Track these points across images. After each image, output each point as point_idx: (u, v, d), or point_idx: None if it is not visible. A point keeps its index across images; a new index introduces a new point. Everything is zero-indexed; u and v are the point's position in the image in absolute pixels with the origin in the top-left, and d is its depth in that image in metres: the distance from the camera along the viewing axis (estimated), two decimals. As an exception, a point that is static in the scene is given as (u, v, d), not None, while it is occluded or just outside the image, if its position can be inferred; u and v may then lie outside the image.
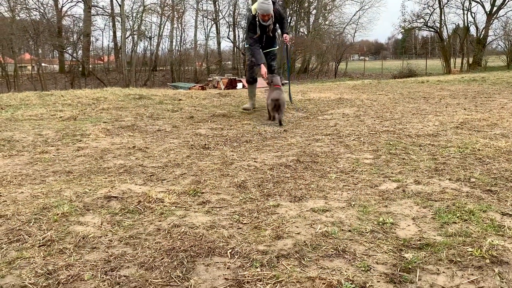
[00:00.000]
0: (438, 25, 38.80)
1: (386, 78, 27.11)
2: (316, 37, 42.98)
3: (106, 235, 2.07)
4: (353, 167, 3.26)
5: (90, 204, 2.47)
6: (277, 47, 6.46)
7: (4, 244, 1.99)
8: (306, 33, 46.18)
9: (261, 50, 6.18)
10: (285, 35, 6.28)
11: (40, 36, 37.28)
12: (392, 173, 3.08)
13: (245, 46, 6.51)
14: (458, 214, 2.25)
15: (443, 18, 38.30)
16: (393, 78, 23.23)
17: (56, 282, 1.64)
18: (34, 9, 38.17)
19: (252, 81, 6.63)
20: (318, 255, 1.84)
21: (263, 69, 6.02)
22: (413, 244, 1.93)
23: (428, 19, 39.10)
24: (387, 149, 3.81)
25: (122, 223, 2.22)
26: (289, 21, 45.33)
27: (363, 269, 1.72)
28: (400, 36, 59.35)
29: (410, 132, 4.52)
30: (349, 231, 2.09)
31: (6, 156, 3.75)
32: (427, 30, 42.46)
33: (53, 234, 2.07)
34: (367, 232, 2.07)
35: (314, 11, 46.80)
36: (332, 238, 2.01)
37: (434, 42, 47.29)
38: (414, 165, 3.26)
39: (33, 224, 2.21)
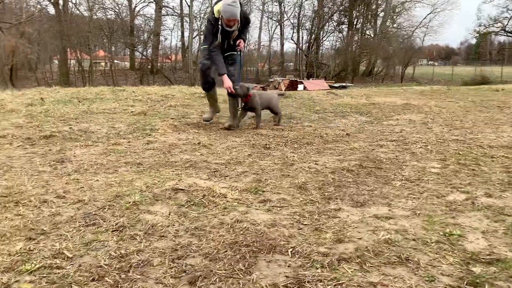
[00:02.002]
0: (517, 30, 36.21)
1: (456, 84, 25.76)
2: (383, 40, 41.81)
3: (173, 225, 2.18)
4: (419, 175, 3.16)
5: (159, 195, 2.61)
6: (238, 52, 5.45)
7: (82, 226, 2.16)
8: (372, 35, 45.08)
9: (222, 57, 5.20)
10: (240, 40, 5.27)
11: (114, 34, 39.49)
12: (460, 184, 2.95)
13: (202, 47, 5.56)
14: (533, 232, 2.12)
15: (523, 22, 35.70)
16: (464, 85, 22.06)
17: (128, 265, 1.75)
18: (110, 9, 40.54)
19: (208, 87, 5.50)
20: (380, 261, 1.82)
21: (226, 82, 5.04)
22: (482, 258, 1.85)
23: (507, 24, 36.66)
24: (456, 159, 3.65)
25: (188, 214, 2.33)
26: (355, 23, 44.54)
27: (427, 279, 1.68)
28: (474, 41, 56.18)
29: (481, 143, 4.29)
30: (413, 240, 2.04)
31: (83, 146, 4.03)
32: (504, 35, 39.80)
33: (125, 220, 2.21)
34: (432, 243, 2.01)
35: (382, 13, 45.55)
36: (395, 245, 1.97)
37: (512, 47, 44.21)
38: (485, 177, 3.10)
39: (107, 210, 2.37)
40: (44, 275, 1.67)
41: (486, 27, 38.87)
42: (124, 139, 4.35)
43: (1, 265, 1.73)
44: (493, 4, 72.54)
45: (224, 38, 5.13)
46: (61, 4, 36.71)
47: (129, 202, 2.46)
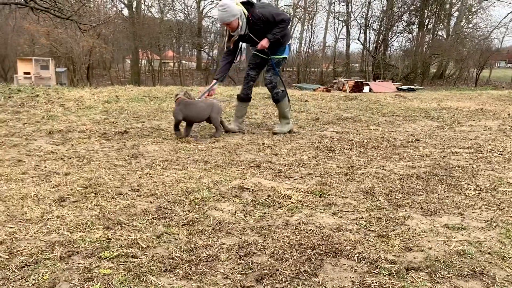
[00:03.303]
0: None
1: (538, 89, 23.86)
2: (457, 41, 39.71)
3: (239, 223, 2.23)
4: (495, 185, 2.98)
5: (225, 192, 2.68)
6: (282, 56, 4.94)
7: (155, 219, 2.27)
8: (445, 36, 42.98)
9: (228, 65, 4.90)
10: (264, 40, 4.72)
11: (182, 35, 40.93)
12: (543, 197, 2.75)
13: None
14: None
15: None
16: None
17: (198, 259, 1.83)
18: (180, 11, 42.12)
19: (243, 98, 5.08)
20: (451, 273, 1.75)
21: (213, 86, 4.81)
22: None
23: None
24: (538, 169, 3.39)
25: (253, 213, 2.37)
26: (426, 23, 42.63)
27: (504, 296, 1.59)
28: (560, 42, 51.55)
29: None
30: (488, 253, 1.93)
31: (154, 142, 4.23)
32: None
33: (194, 215, 2.30)
34: (509, 257, 1.89)
35: (456, 13, 43.26)
36: (468, 258, 1.88)
37: None
38: None
39: (177, 204, 2.48)
40: (121, 263, 1.79)
41: None
42: (192, 137, 4.51)
43: (84, 251, 1.88)
44: None
45: (247, 42, 4.89)
46: (135, 6, 38.73)
47: (198, 198, 2.56)
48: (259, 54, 4.98)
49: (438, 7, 42.42)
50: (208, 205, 2.48)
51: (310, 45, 45.42)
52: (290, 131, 4.97)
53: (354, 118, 6.12)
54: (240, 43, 4.93)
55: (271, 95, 5.10)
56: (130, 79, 34.55)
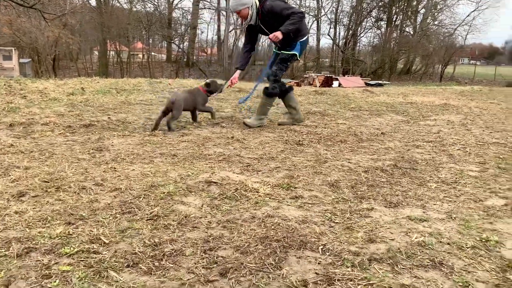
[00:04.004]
0: None
1: (499, 85, 24.81)
2: (423, 38, 40.70)
3: (206, 217, 2.22)
4: (456, 178, 3.08)
5: (192, 186, 2.66)
6: (292, 52, 4.91)
7: (118, 214, 2.23)
8: (411, 33, 43.95)
9: (247, 53, 5.06)
10: (278, 31, 4.64)
11: (152, 27, 40.15)
12: (500, 189, 2.85)
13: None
14: None
15: None
16: (507, 86, 21.26)
17: (162, 254, 1.80)
18: (149, 2, 41.23)
19: (281, 94, 5.18)
20: (412, 264, 1.79)
21: (235, 75, 5.04)
22: (521, 267, 1.79)
23: (557, 22, 34.81)
24: (496, 162, 3.52)
25: (220, 207, 2.36)
26: (394, 19, 43.41)
27: (461, 284, 1.64)
28: (520, 40, 53.69)
29: (524, 147, 4.12)
30: (448, 244, 1.99)
31: (120, 135, 4.14)
32: (553, 35, 37.85)
33: (159, 210, 2.27)
34: (467, 248, 1.95)
35: (423, 10, 44.28)
36: (428, 248, 1.93)
37: (562, 48, 42.03)
38: (527, 183, 2.98)
39: (142, 199, 2.43)
40: (82, 259, 1.74)
41: (534, 26, 37.04)
42: (160, 130, 4.44)
43: (42, 247, 1.81)
44: (543, 2, 68.96)
45: (262, 33, 4.97)
46: (103, -4, 37.70)
47: (164, 192, 2.52)
48: (276, 51, 5.08)
49: (406, 4, 43.30)
50: (174, 199, 2.45)
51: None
52: (260, 126, 4.97)
53: (323, 112, 6.18)
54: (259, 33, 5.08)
55: (267, 86, 5.09)
56: (98, 71, 33.65)
